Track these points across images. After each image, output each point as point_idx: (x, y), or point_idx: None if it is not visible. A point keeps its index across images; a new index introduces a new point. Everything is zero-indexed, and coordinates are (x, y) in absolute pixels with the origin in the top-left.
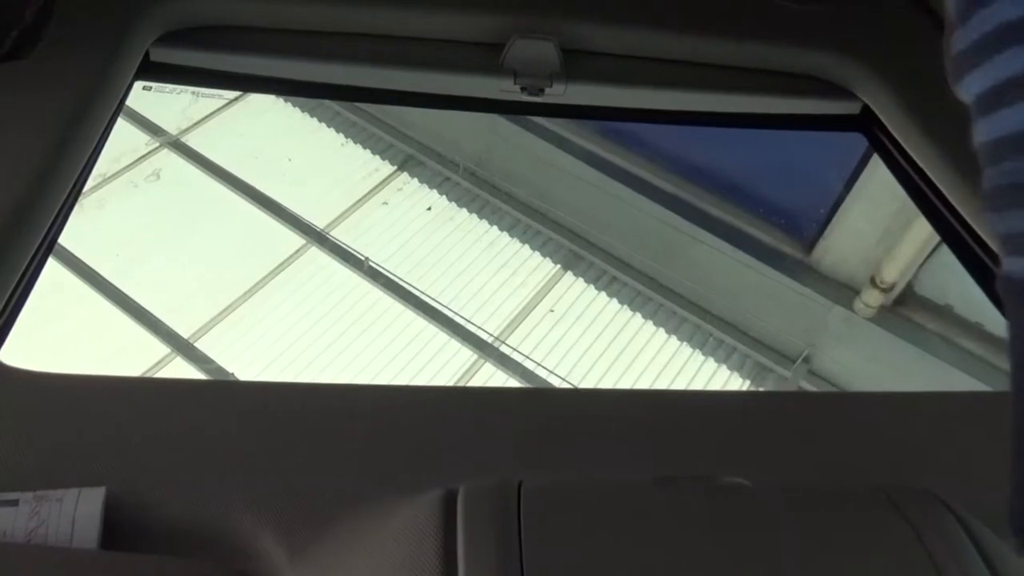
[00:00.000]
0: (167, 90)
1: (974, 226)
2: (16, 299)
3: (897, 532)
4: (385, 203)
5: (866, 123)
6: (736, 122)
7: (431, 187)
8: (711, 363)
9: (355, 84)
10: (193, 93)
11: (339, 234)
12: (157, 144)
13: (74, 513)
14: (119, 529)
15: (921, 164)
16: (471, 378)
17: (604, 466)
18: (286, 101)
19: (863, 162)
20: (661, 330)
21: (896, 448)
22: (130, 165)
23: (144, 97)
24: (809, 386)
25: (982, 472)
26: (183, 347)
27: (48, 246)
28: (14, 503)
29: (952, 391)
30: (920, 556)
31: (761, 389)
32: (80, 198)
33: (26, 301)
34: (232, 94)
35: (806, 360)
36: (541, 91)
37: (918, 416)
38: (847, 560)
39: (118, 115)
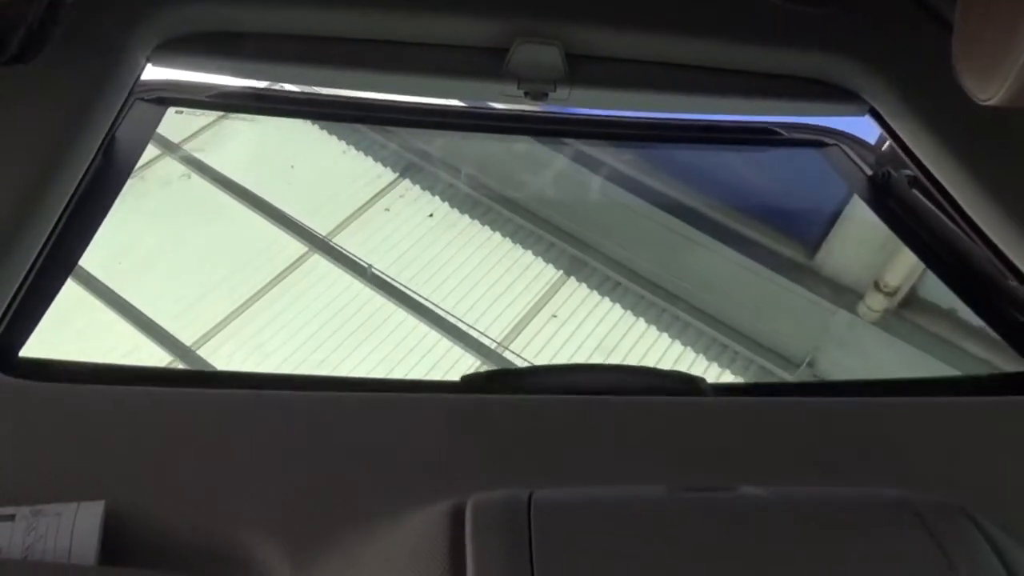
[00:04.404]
0: None
1: (980, 225)
2: (20, 300)
3: (921, 545)
4: (387, 209)
5: None
6: (739, 139)
7: (433, 193)
8: (715, 368)
9: (355, 90)
10: None
11: (342, 241)
12: (159, 152)
13: (72, 528)
14: (119, 543)
15: (928, 166)
16: None
17: (617, 475)
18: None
19: None
20: (664, 335)
21: (916, 455)
22: (133, 173)
23: None
24: None
25: (1004, 481)
26: (185, 354)
27: (50, 251)
28: (11, 518)
29: (973, 398)
30: (944, 571)
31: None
32: None
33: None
34: None
35: (810, 364)
36: (545, 95)
37: (939, 423)
38: (869, 573)
39: (120, 122)
